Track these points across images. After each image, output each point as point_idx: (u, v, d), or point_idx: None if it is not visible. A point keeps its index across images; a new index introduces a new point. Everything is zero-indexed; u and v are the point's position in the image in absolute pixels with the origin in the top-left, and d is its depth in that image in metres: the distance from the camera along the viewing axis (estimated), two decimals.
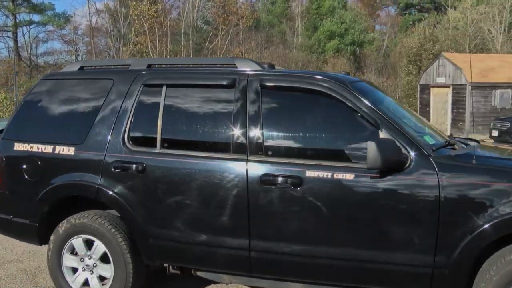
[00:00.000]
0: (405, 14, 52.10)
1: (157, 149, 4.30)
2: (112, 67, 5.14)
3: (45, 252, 6.05)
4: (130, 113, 4.41)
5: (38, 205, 4.58)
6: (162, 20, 31.47)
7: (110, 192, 4.34)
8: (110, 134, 4.41)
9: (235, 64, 4.44)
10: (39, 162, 4.61)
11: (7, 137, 4.85)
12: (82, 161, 4.48)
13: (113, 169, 4.33)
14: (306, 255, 3.94)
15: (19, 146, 4.73)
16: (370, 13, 55.18)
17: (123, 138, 4.38)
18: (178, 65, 5.13)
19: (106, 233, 4.35)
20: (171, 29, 33.01)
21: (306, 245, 3.94)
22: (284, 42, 39.89)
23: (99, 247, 4.44)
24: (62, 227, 4.52)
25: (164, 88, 4.39)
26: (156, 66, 4.93)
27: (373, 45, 43.70)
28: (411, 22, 46.21)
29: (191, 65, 5.22)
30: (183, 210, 4.22)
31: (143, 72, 4.56)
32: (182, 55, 32.00)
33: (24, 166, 4.66)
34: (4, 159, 4.83)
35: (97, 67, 5.30)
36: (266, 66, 4.41)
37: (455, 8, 39.56)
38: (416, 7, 52.14)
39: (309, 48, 40.30)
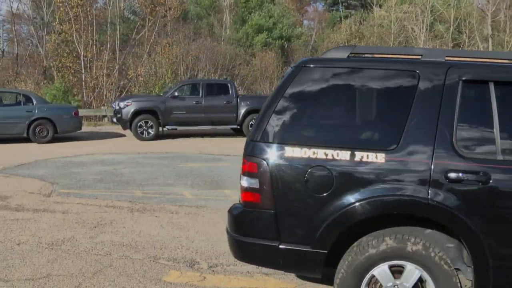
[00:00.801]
0: (333, 10, 53.04)
1: (499, 157, 3.59)
2: (396, 56, 4.24)
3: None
4: (455, 113, 3.66)
5: (330, 227, 3.69)
6: (87, 9, 30.74)
7: (447, 208, 3.54)
8: (434, 137, 3.63)
9: None
10: (331, 172, 3.70)
11: (270, 140, 3.88)
12: (399, 171, 3.64)
13: (446, 180, 3.55)
14: None
15: (294, 152, 3.78)
16: (298, 8, 55.84)
17: (451, 142, 3.62)
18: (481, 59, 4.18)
19: (435, 261, 3.56)
20: (97, 19, 32.29)
21: None
22: (212, 35, 39.74)
23: (411, 273, 3.63)
24: (365, 252, 3.65)
25: (491, 85, 3.69)
26: (457, 59, 4.11)
27: (300, 39, 44.15)
28: (338, 19, 46.92)
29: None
30: None
31: (456, 66, 3.83)
32: (108, 46, 31.37)
33: (307, 178, 3.73)
34: (269, 168, 3.81)
35: (374, 55, 4.43)
36: None
37: (380, 6, 40.54)
38: (344, 4, 53.13)
39: (237, 41, 40.34)
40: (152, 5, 33.03)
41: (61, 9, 30.79)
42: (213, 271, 5.32)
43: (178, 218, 7.27)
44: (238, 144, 16.27)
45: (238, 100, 18.33)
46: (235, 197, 8.57)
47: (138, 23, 35.13)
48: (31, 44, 40.34)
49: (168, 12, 33.30)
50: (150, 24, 32.82)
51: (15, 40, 39.90)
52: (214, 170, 11.28)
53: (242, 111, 18.21)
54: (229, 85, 18.84)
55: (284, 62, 38.88)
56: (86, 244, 6.13)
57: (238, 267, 5.36)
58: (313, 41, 47.14)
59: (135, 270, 5.31)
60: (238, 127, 18.58)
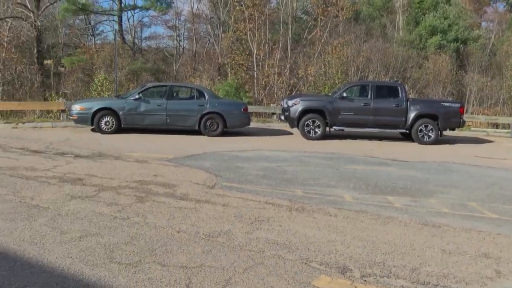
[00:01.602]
0: None
1: None
2: None
3: (126, 229, 6.25)
4: None
5: None
6: (261, 9, 31.54)
7: None
8: None
9: None
10: None
11: None
12: None
13: None
14: None
15: None
16: (476, 9, 52.89)
17: None
18: None
19: None
20: (270, 18, 33.02)
21: None
22: (384, 36, 38.92)
23: None
24: None
25: None
26: None
27: (478, 42, 41.76)
28: None
29: None
30: None
31: None
32: (280, 45, 31.96)
33: None
34: None
35: None
36: None
37: None
38: None
39: (409, 43, 39.13)
40: (324, 5, 33.06)
41: (237, 8, 31.85)
42: (365, 280, 5.05)
43: (336, 221, 7.05)
44: (405, 149, 15.80)
45: (408, 104, 17.63)
46: (398, 205, 8.22)
47: (310, 23, 35.38)
48: (208, 42, 42.34)
49: (340, 12, 33.14)
50: (321, 24, 32.89)
51: (194, 38, 42.10)
52: (378, 175, 10.89)
53: (411, 115, 17.49)
54: (399, 87, 18.18)
55: (459, 66, 37.04)
56: (241, 239, 6.14)
57: (392, 279, 5.05)
58: (491, 44, 44.32)
59: (286, 270, 5.19)
60: (407, 131, 17.91)
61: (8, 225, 6.38)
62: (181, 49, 47.14)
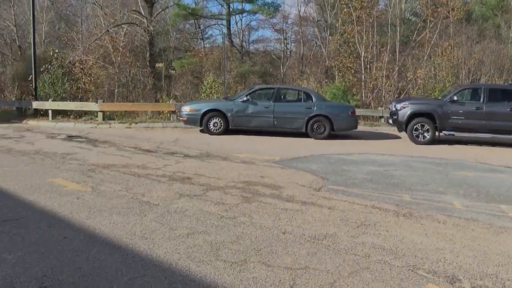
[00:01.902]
0: None
1: None
2: None
3: (232, 228, 6.34)
4: None
5: None
6: (369, 11, 31.10)
7: None
8: None
9: None
10: None
11: None
12: None
13: None
14: None
15: None
16: None
17: None
18: None
19: None
20: (378, 20, 32.48)
21: None
22: (498, 37, 37.14)
23: None
24: None
25: None
26: None
27: None
28: None
29: None
30: None
31: None
32: (388, 47, 31.37)
33: None
34: None
35: None
36: None
37: None
38: None
39: None
40: (434, 6, 32.05)
41: (345, 10, 31.58)
42: None
43: (445, 229, 6.77)
44: None
45: None
46: None
47: (419, 25, 34.41)
48: (315, 45, 42.27)
49: (450, 13, 31.99)
50: (431, 25, 31.93)
51: (301, 41, 42.18)
52: (490, 182, 10.37)
53: None
54: None
55: None
56: (346, 242, 6.04)
57: None
58: None
59: (392, 277, 5.04)
60: None
61: (122, 220, 6.65)
62: (288, 52, 47.48)
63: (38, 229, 6.25)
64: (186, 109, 17.92)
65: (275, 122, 17.16)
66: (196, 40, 49.00)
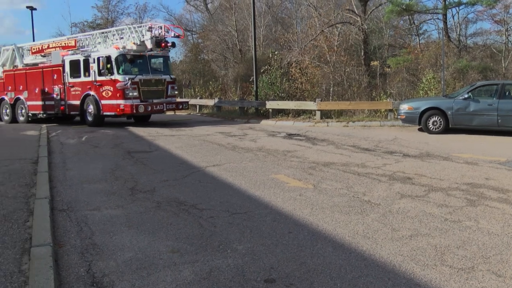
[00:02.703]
0: None
1: None
2: None
3: (457, 232, 6.11)
4: None
5: None
6: None
7: None
8: None
9: None
10: None
11: None
12: None
13: None
14: None
15: None
16: None
17: None
18: None
19: None
20: None
21: None
22: None
23: None
24: None
25: None
26: None
27: None
28: None
29: None
30: None
31: None
32: None
33: None
34: None
35: None
36: None
37: None
38: None
39: None
40: None
41: None
42: None
43: None
44: None
45: None
46: None
47: None
48: None
49: None
50: None
51: None
52: None
53: None
54: None
55: None
56: None
57: None
58: None
59: None
60: None
61: (344, 218, 6.79)
62: (510, 45, 44.25)
63: (264, 223, 6.65)
64: (405, 107, 17.61)
65: (500, 121, 16.06)
66: (410, 36, 47.85)
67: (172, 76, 23.63)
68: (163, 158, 12.68)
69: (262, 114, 25.89)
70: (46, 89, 24.49)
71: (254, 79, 26.98)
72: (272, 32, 48.74)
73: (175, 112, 28.28)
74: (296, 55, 31.50)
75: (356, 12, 35.50)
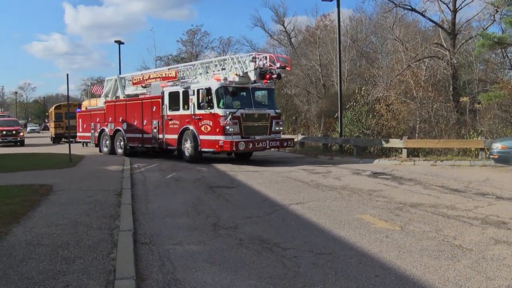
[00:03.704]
0: None
1: None
2: None
3: None
4: None
5: None
6: None
7: None
8: None
9: None
10: None
11: None
12: None
13: None
14: None
15: None
16: None
17: None
18: None
19: None
20: None
21: None
22: None
23: None
24: None
25: None
26: None
27: None
28: None
29: None
30: None
31: None
32: None
33: None
34: None
35: None
36: None
37: None
38: None
39: None
40: None
41: None
42: None
43: None
44: None
45: None
46: None
47: None
48: None
49: None
50: None
51: None
52: None
53: None
54: None
55: None
56: None
57: None
58: None
59: None
60: None
61: (433, 263, 6.45)
62: None
63: (349, 265, 6.42)
64: (498, 146, 16.79)
65: None
66: (503, 70, 46.22)
67: (277, 111, 22.74)
68: (246, 194, 12.67)
69: (346, 151, 25.52)
70: (145, 121, 24.49)
71: (339, 115, 26.60)
72: (356, 66, 48.49)
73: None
74: (381, 91, 31.05)
75: (445, 45, 34.71)
